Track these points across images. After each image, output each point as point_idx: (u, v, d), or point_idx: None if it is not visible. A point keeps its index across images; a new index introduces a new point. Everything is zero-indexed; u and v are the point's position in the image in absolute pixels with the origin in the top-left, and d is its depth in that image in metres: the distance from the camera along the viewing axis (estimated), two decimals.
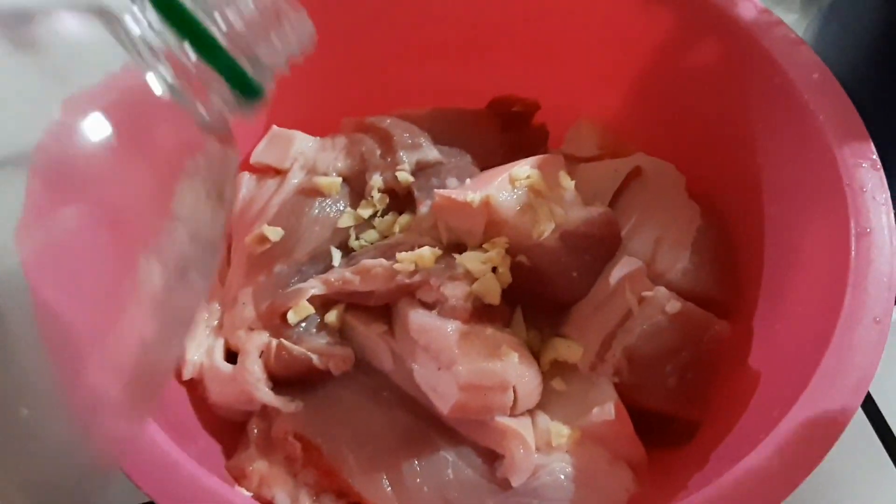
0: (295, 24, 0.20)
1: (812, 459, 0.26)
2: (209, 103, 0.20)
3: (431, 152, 0.41)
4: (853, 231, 0.31)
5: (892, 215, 0.31)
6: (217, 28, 0.19)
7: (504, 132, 0.44)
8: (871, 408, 0.42)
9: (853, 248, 0.30)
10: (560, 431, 0.34)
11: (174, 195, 0.20)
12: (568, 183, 0.38)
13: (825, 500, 0.39)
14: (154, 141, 0.20)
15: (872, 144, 0.33)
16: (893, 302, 0.29)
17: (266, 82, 0.21)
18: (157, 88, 0.19)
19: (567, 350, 0.36)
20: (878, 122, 0.34)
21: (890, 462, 0.40)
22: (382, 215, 0.40)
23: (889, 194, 0.32)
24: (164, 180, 0.20)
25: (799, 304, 0.33)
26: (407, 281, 0.35)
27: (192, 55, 0.19)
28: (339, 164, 0.40)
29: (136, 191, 0.20)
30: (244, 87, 0.20)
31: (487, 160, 0.42)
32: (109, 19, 0.19)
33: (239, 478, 0.34)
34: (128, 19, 0.19)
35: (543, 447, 0.34)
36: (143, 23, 0.19)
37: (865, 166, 0.32)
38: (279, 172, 0.41)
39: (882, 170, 0.32)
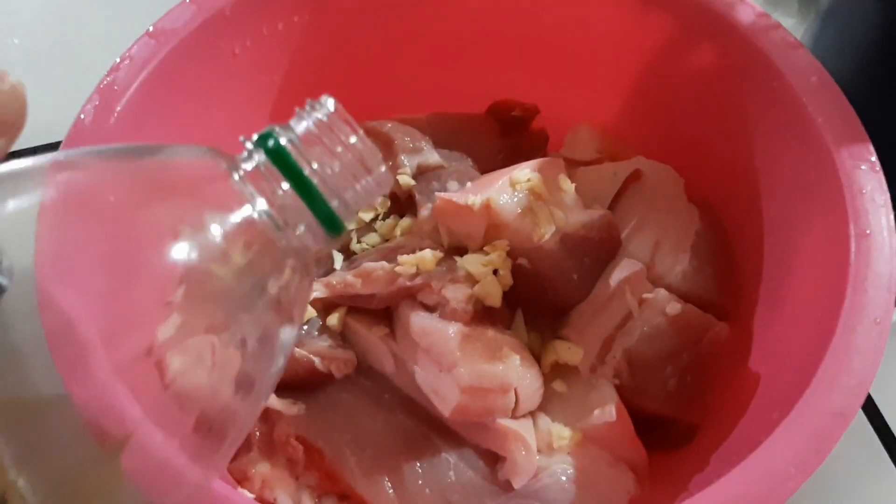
0: (377, 176, 0.24)
1: (812, 461, 0.27)
2: (292, 233, 0.23)
3: (432, 156, 0.41)
4: (853, 233, 0.31)
5: (892, 217, 0.31)
6: (316, 174, 0.23)
7: (504, 136, 0.44)
8: (871, 409, 0.42)
9: (853, 249, 0.31)
10: (561, 433, 0.34)
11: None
12: (568, 186, 0.38)
13: (825, 501, 0.39)
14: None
15: (871, 146, 0.33)
16: (893, 303, 0.29)
17: (348, 220, 0.24)
18: (252, 209, 0.23)
19: (567, 352, 0.36)
20: (876, 126, 0.34)
21: (891, 463, 0.40)
22: (384, 218, 0.40)
23: (889, 196, 0.32)
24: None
25: (798, 306, 0.33)
26: (408, 283, 0.36)
27: (290, 194, 0.23)
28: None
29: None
30: (330, 223, 0.24)
31: (488, 164, 0.42)
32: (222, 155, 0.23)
33: (241, 480, 0.34)
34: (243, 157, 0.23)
35: (545, 449, 0.34)
36: (254, 161, 0.23)
37: (864, 168, 0.32)
38: None
39: (881, 172, 0.32)
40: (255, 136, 0.23)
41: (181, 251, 0.22)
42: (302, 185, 0.23)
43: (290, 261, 0.24)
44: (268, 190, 0.23)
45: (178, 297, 0.21)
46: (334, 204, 0.24)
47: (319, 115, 0.24)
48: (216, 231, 0.22)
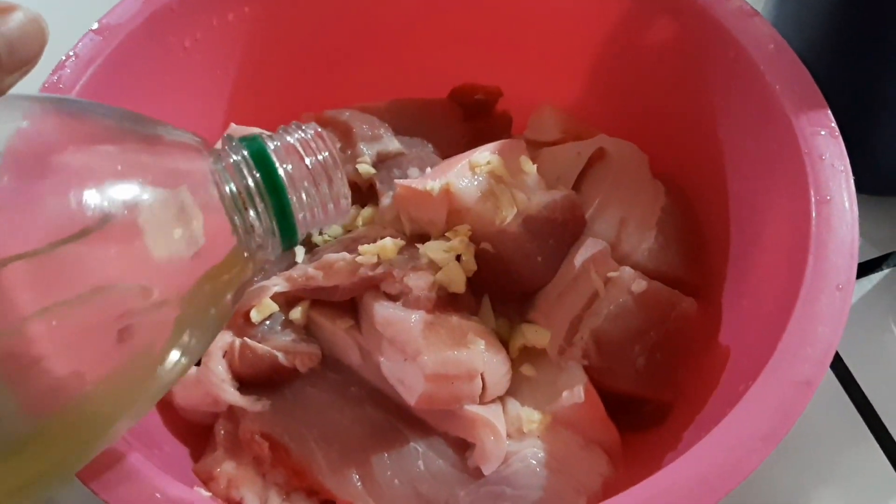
0: (340, 209, 0.27)
1: (778, 431, 0.26)
2: (249, 226, 0.25)
3: (392, 143, 0.40)
4: (813, 199, 0.30)
5: (853, 183, 0.31)
6: (294, 195, 0.25)
7: (467, 121, 0.44)
8: (846, 378, 0.41)
9: (814, 216, 0.30)
10: (531, 417, 0.34)
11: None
12: (530, 167, 0.37)
13: (803, 471, 0.39)
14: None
15: (830, 112, 0.32)
16: (855, 269, 0.29)
17: (302, 235, 0.26)
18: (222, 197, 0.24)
19: (535, 336, 0.35)
20: (836, 93, 0.33)
21: (868, 432, 0.40)
22: None
23: (848, 162, 0.31)
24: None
25: (764, 277, 0.33)
26: (370, 274, 0.35)
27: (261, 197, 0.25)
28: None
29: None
30: (290, 235, 0.26)
31: (451, 149, 0.41)
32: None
33: (207, 480, 0.33)
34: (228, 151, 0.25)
35: (515, 434, 0.34)
36: (238, 158, 0.25)
37: (824, 134, 0.32)
38: None
39: (840, 138, 0.32)
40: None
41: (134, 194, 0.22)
42: (273, 184, 0.25)
43: (239, 251, 0.25)
44: (240, 183, 0.25)
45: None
46: (299, 216, 0.26)
47: (301, 134, 0.26)
48: (182, 196, 0.23)
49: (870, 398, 0.41)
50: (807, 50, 0.35)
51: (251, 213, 0.25)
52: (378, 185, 0.39)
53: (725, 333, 0.35)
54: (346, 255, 0.36)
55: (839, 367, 0.42)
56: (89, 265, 0.22)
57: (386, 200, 0.38)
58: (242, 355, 0.34)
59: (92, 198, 0.22)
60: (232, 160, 0.25)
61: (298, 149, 0.26)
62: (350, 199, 0.27)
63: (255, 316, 0.35)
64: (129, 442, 0.28)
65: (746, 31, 0.35)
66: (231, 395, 0.34)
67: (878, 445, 0.40)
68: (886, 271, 0.45)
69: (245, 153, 0.25)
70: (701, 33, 0.36)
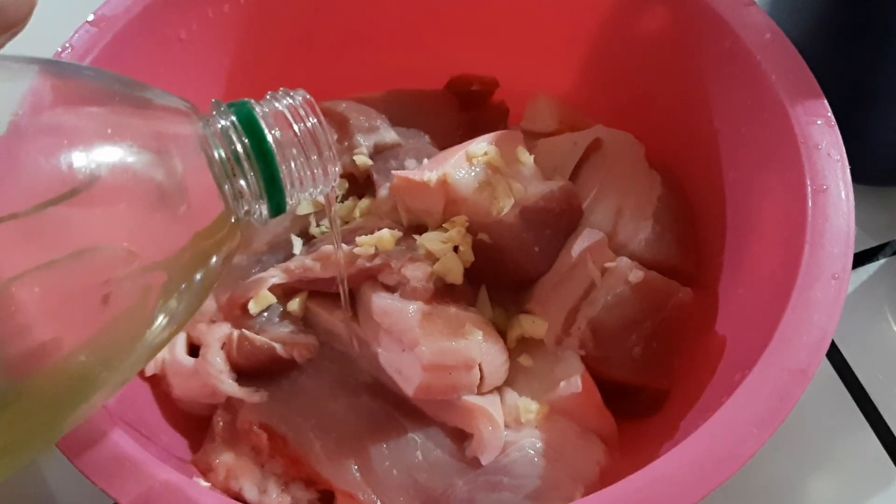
0: (328, 175, 0.27)
1: (774, 419, 0.26)
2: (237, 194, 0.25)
3: (389, 134, 0.40)
4: (809, 189, 0.31)
5: (848, 172, 0.31)
6: (281, 160, 0.25)
7: (463, 111, 0.44)
8: (841, 365, 0.42)
9: (810, 205, 0.30)
10: (528, 407, 0.34)
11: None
12: (526, 158, 0.37)
13: (798, 458, 0.39)
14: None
15: (826, 102, 0.32)
16: (851, 258, 0.29)
17: (290, 201, 0.26)
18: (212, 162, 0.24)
19: (532, 326, 0.36)
20: (832, 82, 0.33)
21: (862, 418, 0.40)
22: (342, 201, 0.40)
23: (844, 151, 0.31)
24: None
25: (760, 266, 0.33)
26: (367, 265, 0.35)
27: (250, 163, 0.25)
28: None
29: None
30: (278, 201, 0.25)
31: (447, 140, 0.41)
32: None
33: (205, 471, 0.33)
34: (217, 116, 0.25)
35: (512, 423, 0.34)
36: (226, 123, 0.25)
37: (820, 123, 0.32)
38: None
39: (837, 127, 0.32)
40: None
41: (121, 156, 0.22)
42: (261, 149, 0.25)
43: (227, 216, 0.25)
44: (228, 149, 0.24)
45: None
46: (287, 183, 0.25)
47: (290, 101, 0.26)
48: (170, 160, 0.23)
49: (865, 386, 0.41)
50: (803, 39, 0.35)
51: (239, 178, 0.25)
52: (375, 177, 0.39)
53: (721, 322, 0.35)
54: (343, 246, 0.36)
55: (835, 355, 0.42)
56: (74, 227, 0.21)
57: (383, 192, 0.38)
58: (240, 346, 0.34)
59: (79, 159, 0.21)
60: (220, 125, 0.25)
61: (287, 115, 0.26)
62: (338, 165, 0.27)
63: (252, 307, 0.35)
64: (127, 433, 0.28)
65: (742, 20, 0.35)
66: (229, 386, 0.34)
67: (873, 433, 0.40)
68: (882, 261, 0.45)
69: (234, 119, 0.25)
70: (696, 22, 0.36)
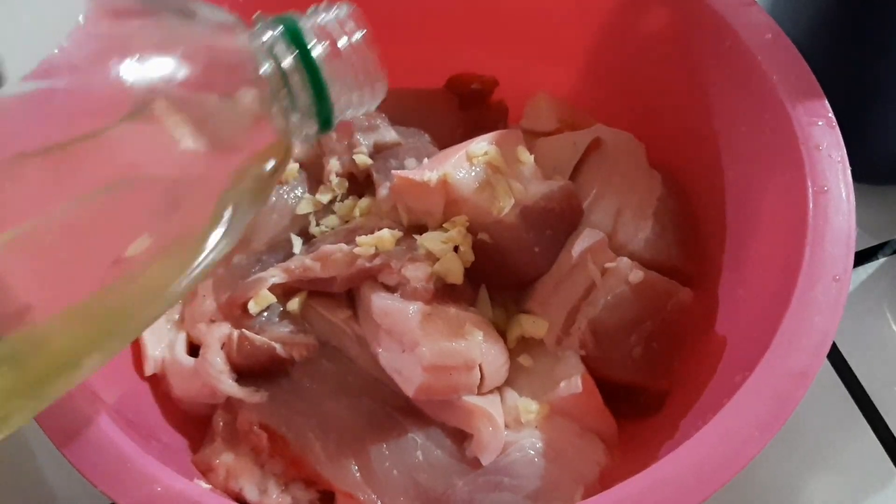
0: (376, 91, 0.27)
1: (775, 422, 0.26)
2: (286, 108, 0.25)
3: (389, 133, 0.40)
4: (810, 190, 0.31)
5: (849, 173, 0.31)
6: (328, 74, 0.25)
7: (463, 110, 0.44)
8: (840, 363, 0.42)
9: (811, 206, 0.30)
10: (528, 407, 0.34)
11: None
12: (527, 157, 0.37)
13: (797, 458, 0.39)
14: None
15: (827, 102, 0.32)
16: (852, 260, 0.29)
17: (339, 114, 0.26)
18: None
19: (532, 326, 0.36)
20: (833, 83, 0.33)
21: (862, 418, 0.40)
22: (342, 200, 0.39)
23: (845, 152, 0.31)
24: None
25: (760, 266, 0.33)
26: (367, 265, 0.35)
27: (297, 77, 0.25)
28: (296, 150, 0.40)
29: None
30: (326, 116, 0.25)
31: (447, 139, 0.41)
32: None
33: (206, 471, 0.33)
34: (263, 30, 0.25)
35: (512, 424, 0.34)
36: (273, 37, 0.25)
37: (821, 124, 0.32)
38: None
39: (837, 128, 0.32)
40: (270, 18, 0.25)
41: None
42: (308, 64, 0.24)
43: (274, 132, 0.25)
44: (276, 63, 0.24)
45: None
46: (334, 97, 0.25)
47: (336, 13, 0.26)
48: (218, 76, 0.23)
49: (864, 386, 0.41)
50: (803, 39, 0.35)
51: (287, 94, 0.24)
52: (375, 176, 0.39)
53: (722, 323, 0.35)
54: (343, 246, 0.35)
55: (834, 354, 0.42)
56: (127, 149, 0.22)
57: (383, 191, 0.38)
58: (240, 346, 0.34)
59: (131, 76, 0.22)
60: (267, 39, 0.24)
61: (333, 28, 0.25)
62: (386, 82, 0.27)
63: (252, 307, 0.35)
64: (127, 433, 0.28)
65: (743, 20, 0.35)
66: (229, 386, 0.34)
67: (872, 432, 0.40)
68: (882, 260, 0.45)
69: (280, 33, 0.25)
70: (697, 22, 0.36)
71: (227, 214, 0.24)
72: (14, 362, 0.21)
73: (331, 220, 0.39)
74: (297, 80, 0.24)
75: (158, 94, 0.22)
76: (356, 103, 0.26)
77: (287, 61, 0.24)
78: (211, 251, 0.24)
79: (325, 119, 0.25)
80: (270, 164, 0.25)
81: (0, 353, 0.21)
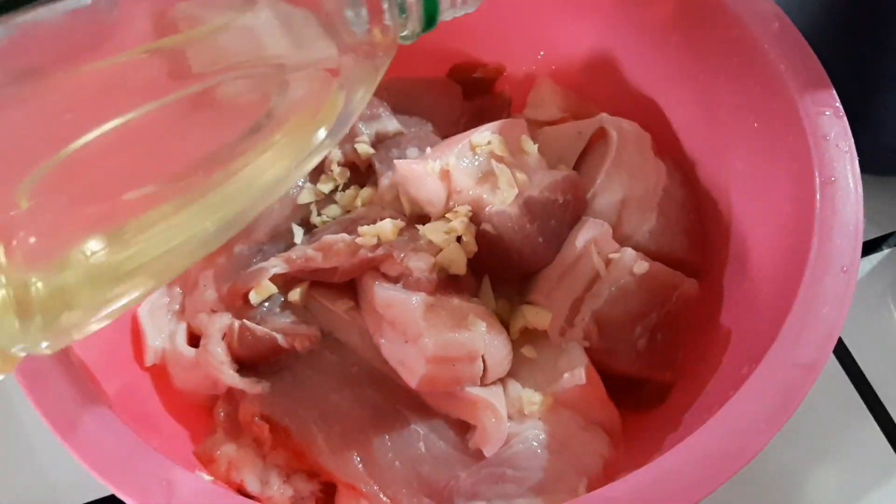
0: None
1: (782, 414, 0.26)
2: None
3: (391, 123, 0.40)
4: (818, 181, 0.30)
5: (857, 163, 0.31)
6: None
7: (466, 99, 0.43)
8: (844, 355, 0.42)
9: (818, 197, 0.30)
10: (532, 399, 0.34)
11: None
12: (531, 147, 0.37)
13: (802, 449, 0.39)
14: None
15: (834, 92, 0.32)
16: (860, 251, 0.29)
17: (441, 14, 0.27)
18: None
19: (536, 317, 0.35)
20: (841, 73, 0.33)
21: (866, 410, 0.40)
22: (344, 189, 0.39)
23: (853, 142, 0.31)
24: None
25: (767, 257, 0.33)
26: (370, 255, 0.35)
27: None
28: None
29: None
30: (431, 13, 0.26)
31: (450, 128, 0.41)
32: None
33: (207, 463, 0.33)
34: None
35: (516, 415, 0.34)
36: None
37: (828, 114, 0.32)
38: None
39: (845, 118, 0.32)
40: None
41: None
42: None
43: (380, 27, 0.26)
44: None
45: None
46: None
47: None
48: None
49: (868, 378, 0.41)
50: (811, 29, 0.35)
51: None
52: (377, 166, 0.38)
53: (727, 315, 0.35)
54: (345, 236, 0.35)
55: (838, 346, 0.42)
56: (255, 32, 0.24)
57: (385, 181, 0.38)
58: (242, 337, 0.34)
59: None
60: None
61: None
62: None
63: (254, 298, 0.35)
64: (129, 425, 0.28)
65: (750, 10, 0.34)
66: (230, 377, 0.34)
67: (876, 424, 0.40)
68: (887, 251, 0.45)
69: None
70: (704, 11, 0.36)
71: (341, 102, 0.26)
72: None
73: (332, 210, 0.39)
74: None
75: None
76: (459, 4, 0.27)
77: None
78: (323, 141, 0.26)
79: (430, 15, 0.27)
80: (379, 58, 0.27)
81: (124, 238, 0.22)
